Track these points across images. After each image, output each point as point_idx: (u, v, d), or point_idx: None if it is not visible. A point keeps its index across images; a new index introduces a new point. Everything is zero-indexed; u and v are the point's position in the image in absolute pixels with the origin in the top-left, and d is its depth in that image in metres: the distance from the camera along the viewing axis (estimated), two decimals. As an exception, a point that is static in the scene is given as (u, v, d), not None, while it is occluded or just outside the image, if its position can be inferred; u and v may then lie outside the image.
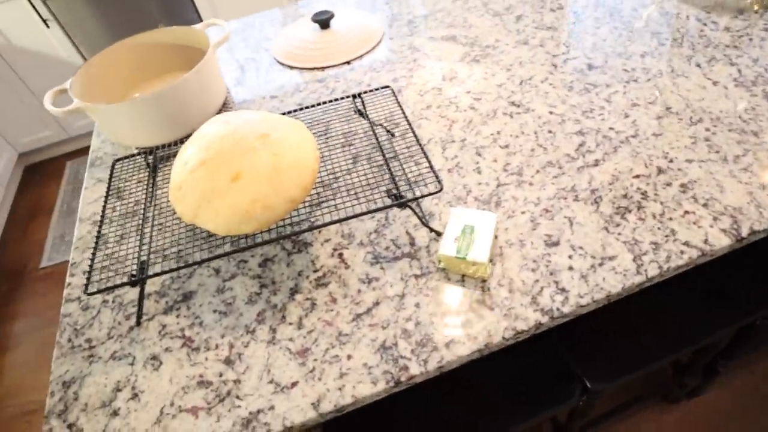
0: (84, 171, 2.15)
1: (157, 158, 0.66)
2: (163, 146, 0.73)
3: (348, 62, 0.94)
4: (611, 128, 0.70)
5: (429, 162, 0.58)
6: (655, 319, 0.79)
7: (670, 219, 0.58)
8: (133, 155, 0.69)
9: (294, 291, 0.58)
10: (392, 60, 0.92)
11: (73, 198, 2.04)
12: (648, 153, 0.66)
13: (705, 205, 0.59)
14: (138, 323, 0.58)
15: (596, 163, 0.66)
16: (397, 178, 0.64)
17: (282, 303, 0.57)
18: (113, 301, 0.61)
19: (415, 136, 0.62)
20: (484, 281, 0.55)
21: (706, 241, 0.55)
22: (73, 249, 0.69)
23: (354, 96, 0.71)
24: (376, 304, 0.55)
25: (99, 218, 0.71)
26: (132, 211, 0.71)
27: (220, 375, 0.52)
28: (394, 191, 0.56)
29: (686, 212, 0.58)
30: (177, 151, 0.77)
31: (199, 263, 0.53)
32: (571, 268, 0.55)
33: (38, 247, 1.88)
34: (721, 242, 0.55)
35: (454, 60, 0.89)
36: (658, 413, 1.15)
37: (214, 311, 0.58)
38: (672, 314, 0.80)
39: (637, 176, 0.63)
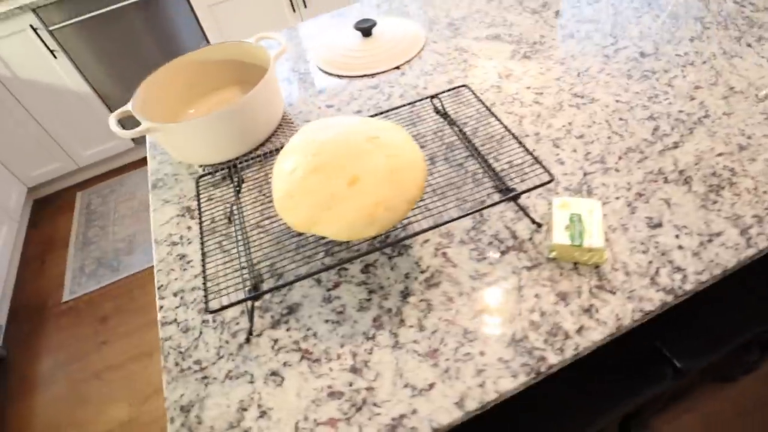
0: (96, 199, 2.11)
1: (240, 172, 0.66)
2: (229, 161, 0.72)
3: (397, 67, 0.95)
4: (681, 111, 0.72)
5: (531, 154, 0.59)
6: (738, 295, 0.80)
7: (765, 192, 0.60)
8: (211, 172, 0.68)
9: (405, 294, 0.58)
10: (442, 62, 0.93)
11: (87, 228, 2.00)
12: (724, 132, 0.68)
13: (795, 177, 0.60)
14: (248, 340, 0.57)
15: (675, 145, 0.67)
16: (500, 174, 0.64)
17: (396, 307, 0.56)
18: (214, 321, 0.60)
19: (510, 131, 0.63)
20: (597, 267, 0.56)
21: (806, 211, 0.57)
22: (156, 272, 0.67)
23: (432, 97, 0.71)
24: (495, 299, 0.55)
25: (177, 239, 0.70)
26: (211, 228, 0.70)
27: (350, 384, 0.51)
28: (502, 186, 0.57)
29: (778, 185, 0.60)
30: (252, 164, 0.77)
31: (327, 269, 0.52)
32: (680, 248, 0.56)
33: (57, 281, 1.83)
34: (821, 210, 0.56)
35: (505, 58, 0.90)
36: (715, 390, 1.16)
37: (326, 321, 0.57)
38: (754, 288, 0.81)
39: (720, 154, 0.65)
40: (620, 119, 0.73)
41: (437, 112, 0.70)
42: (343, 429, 0.48)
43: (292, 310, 0.59)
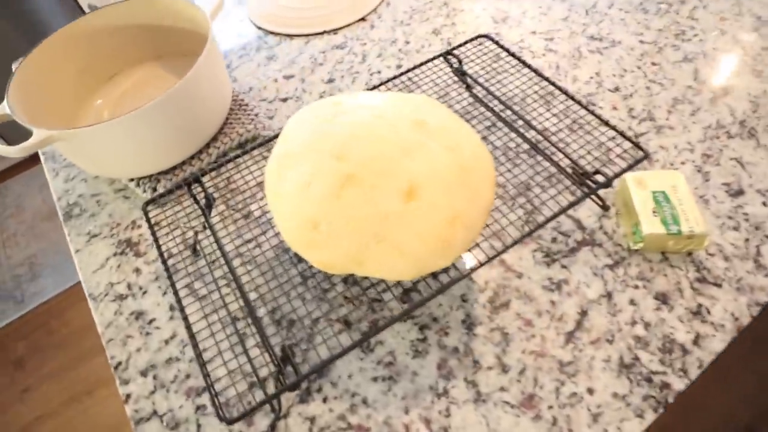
0: (-29, 215, 1.69)
1: (207, 189, 0.46)
2: (166, 172, 0.52)
3: (363, 18, 0.76)
4: (715, 48, 0.63)
5: (610, 126, 0.46)
6: None
7: (833, 137, 0.53)
8: (164, 193, 0.47)
9: (469, 324, 0.44)
10: (418, 8, 0.76)
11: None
12: (768, 69, 0.60)
13: None
14: (272, 428, 0.41)
15: (725, 92, 0.58)
16: (569, 155, 0.51)
17: (463, 343, 0.43)
18: (207, 405, 0.43)
19: (571, 96, 0.49)
20: (689, 254, 0.46)
21: None
22: (106, 343, 0.47)
23: (447, 53, 0.54)
24: (583, 313, 0.44)
25: (124, 289, 0.50)
26: (172, 266, 0.50)
27: (432, 465, 0.38)
28: (579, 172, 0.44)
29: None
30: (223, 173, 0.56)
31: (376, 331, 0.37)
32: (771, 216, 0.48)
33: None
34: None
35: (495, -3, 0.75)
36: None
37: (374, 379, 0.42)
38: None
39: (773, 97, 0.57)
40: (653, 64, 0.62)
41: (457, 73, 0.54)
42: None
43: (322, 372, 0.43)
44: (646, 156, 0.43)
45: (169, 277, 0.41)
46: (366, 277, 0.47)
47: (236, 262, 0.49)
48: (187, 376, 0.44)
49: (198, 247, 0.51)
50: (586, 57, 0.64)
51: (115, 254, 0.53)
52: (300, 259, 0.49)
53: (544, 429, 0.38)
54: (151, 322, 0.48)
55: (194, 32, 0.63)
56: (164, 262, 0.42)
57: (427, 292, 0.46)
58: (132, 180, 0.57)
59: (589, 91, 0.60)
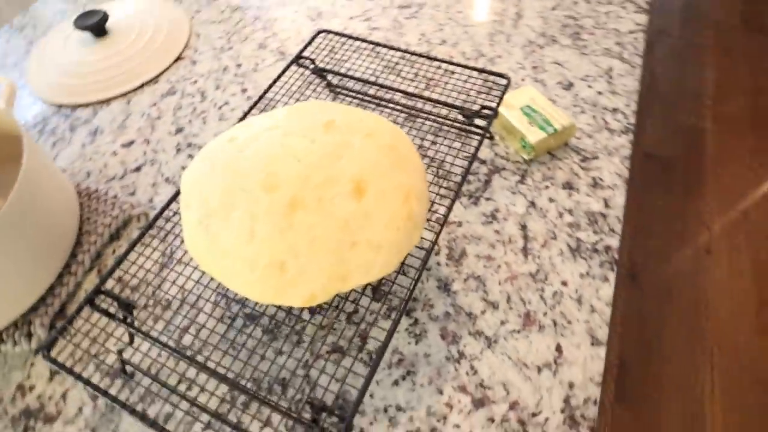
0: None
1: (118, 296, 0.37)
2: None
3: (179, 58, 0.70)
4: (494, -14, 0.74)
5: (470, 67, 0.50)
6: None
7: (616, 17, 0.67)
8: (70, 319, 0.37)
9: (445, 286, 0.45)
10: (232, 30, 0.73)
11: None
12: (537, -11, 0.73)
13: None
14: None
15: (519, 16, 0.69)
16: (454, 104, 0.54)
17: (450, 305, 0.44)
18: None
19: (428, 57, 0.52)
20: (566, 145, 0.55)
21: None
22: None
23: (297, 58, 0.53)
24: (523, 227, 0.49)
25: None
26: (109, 408, 0.41)
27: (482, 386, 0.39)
28: (469, 113, 0.48)
29: (602, 14, 0.68)
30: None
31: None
32: (600, 93, 0.59)
33: None
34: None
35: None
36: None
37: (395, 383, 0.41)
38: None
39: (554, 8, 0.70)
40: (458, 12, 0.71)
41: (316, 72, 0.54)
42: (526, 471, 0.37)
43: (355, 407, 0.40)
44: (509, 80, 0.49)
45: (128, 409, 0.33)
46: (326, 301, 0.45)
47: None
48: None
49: (126, 368, 0.42)
50: (405, 24, 0.70)
51: (19, 432, 0.41)
52: (251, 318, 0.44)
53: (551, 334, 0.42)
54: (117, 475, 0.38)
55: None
56: (112, 396, 0.34)
57: (402, 280, 0.46)
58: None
59: (424, 50, 0.66)
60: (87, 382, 0.34)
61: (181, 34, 0.73)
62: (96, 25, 0.68)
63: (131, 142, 0.60)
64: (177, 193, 0.43)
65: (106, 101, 0.65)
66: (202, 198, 0.33)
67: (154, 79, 0.67)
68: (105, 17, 0.69)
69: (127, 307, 0.37)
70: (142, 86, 0.66)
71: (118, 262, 0.38)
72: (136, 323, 0.42)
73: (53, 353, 0.35)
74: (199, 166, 0.35)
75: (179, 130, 0.60)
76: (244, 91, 0.64)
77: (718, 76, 1.93)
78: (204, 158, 0.36)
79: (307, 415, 0.37)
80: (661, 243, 1.54)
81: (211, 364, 0.41)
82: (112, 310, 0.43)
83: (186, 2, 0.79)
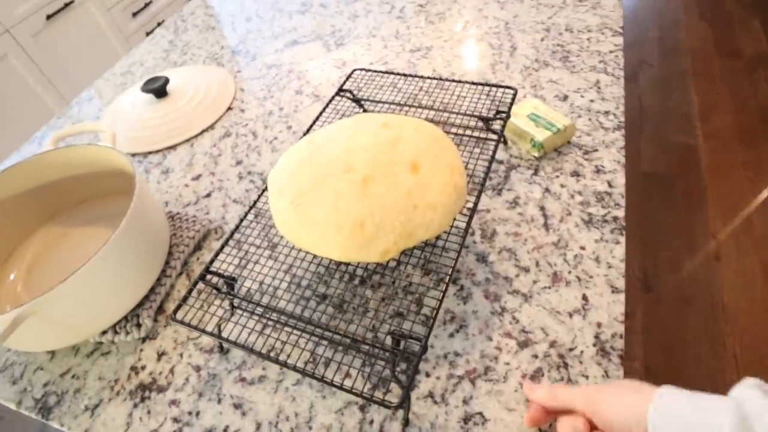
0: None
1: (222, 273, 0.46)
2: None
3: (229, 108, 0.82)
4: (480, 30, 0.88)
5: (484, 84, 0.62)
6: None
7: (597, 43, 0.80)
8: (188, 292, 0.46)
9: (482, 258, 0.54)
10: (271, 83, 0.86)
11: None
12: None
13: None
14: (406, 407, 0.43)
15: (514, 48, 0.82)
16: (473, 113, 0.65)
17: (488, 272, 0.52)
18: None
19: (446, 79, 0.64)
20: (569, 143, 0.65)
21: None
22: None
23: (339, 90, 0.65)
24: (542, 208, 0.58)
25: (173, 428, 0.46)
26: (233, 362, 0.48)
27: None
28: (485, 118, 0.58)
29: None
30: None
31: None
32: (592, 101, 0.70)
33: None
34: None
35: (323, 53, 0.90)
36: None
37: (451, 335, 0.48)
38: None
39: (543, 39, 0.83)
40: (453, 51, 0.84)
41: (354, 101, 0.66)
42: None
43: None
44: (516, 91, 0.60)
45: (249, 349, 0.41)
46: (385, 273, 0.53)
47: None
48: (299, 444, 0.43)
49: (223, 345, 0.50)
50: (417, 64, 0.83)
51: (135, 406, 0.48)
52: (323, 298, 0.52)
53: (576, 287, 0.50)
54: (226, 430, 0.45)
55: (92, 174, 0.61)
56: (242, 346, 0.42)
57: (445, 260, 0.54)
58: (104, 333, 0.52)
59: (437, 82, 0.78)
60: (204, 331, 0.42)
61: (228, 89, 0.86)
62: (159, 89, 0.82)
63: (199, 176, 0.71)
64: (264, 190, 0.53)
65: (173, 147, 0.77)
66: (293, 185, 0.43)
67: (211, 126, 0.80)
68: (167, 81, 0.82)
69: (230, 281, 0.46)
70: (201, 133, 0.78)
71: (221, 248, 0.48)
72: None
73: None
74: (286, 164, 0.46)
75: (239, 162, 0.72)
76: (289, 128, 0.76)
77: (701, 98, 2.08)
78: (288, 158, 0.46)
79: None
80: (670, 254, 1.60)
81: (295, 331, 0.49)
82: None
83: (228, 66, 0.94)
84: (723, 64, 2.22)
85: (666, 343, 1.38)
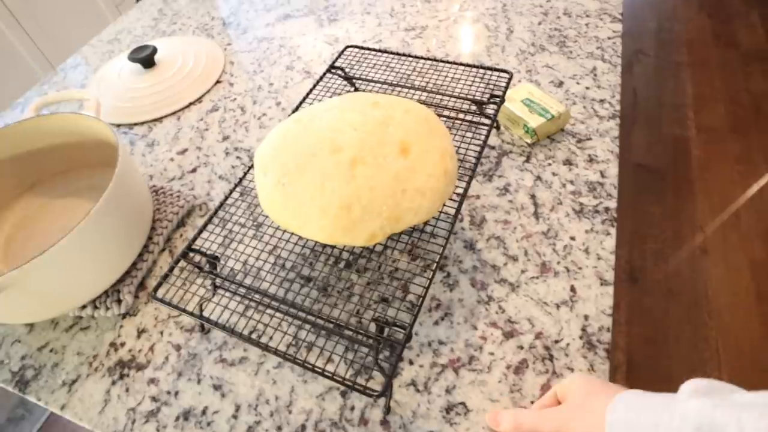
0: None
1: (204, 251, 0.45)
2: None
3: (218, 81, 0.80)
4: (482, 13, 0.86)
5: (477, 66, 0.60)
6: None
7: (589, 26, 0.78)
8: (169, 271, 0.44)
9: (471, 245, 0.53)
10: (261, 57, 0.83)
11: None
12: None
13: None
14: (387, 394, 0.43)
15: (510, 31, 0.80)
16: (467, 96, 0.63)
17: (476, 260, 0.52)
18: None
19: (442, 60, 0.62)
20: (562, 131, 0.64)
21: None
22: (165, 463, 0.42)
23: (331, 68, 0.63)
24: (532, 196, 0.57)
25: (151, 407, 0.45)
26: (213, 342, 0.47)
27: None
28: (479, 101, 0.57)
29: None
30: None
31: None
32: (587, 88, 0.69)
33: None
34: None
35: (315, 29, 0.87)
36: None
37: (435, 323, 0.48)
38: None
39: (532, 31, 0.81)
40: (447, 32, 0.82)
41: (347, 79, 0.64)
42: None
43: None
44: (511, 74, 0.58)
45: (234, 333, 0.40)
46: (371, 257, 0.52)
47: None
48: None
49: (204, 325, 0.49)
50: (411, 43, 0.81)
51: (113, 383, 0.47)
52: (307, 280, 0.51)
53: (565, 278, 0.50)
54: (204, 411, 0.44)
55: (74, 144, 0.59)
56: (224, 327, 0.41)
57: (432, 246, 0.53)
58: (84, 307, 0.51)
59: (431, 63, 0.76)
60: (184, 311, 0.41)
61: (217, 62, 0.83)
62: (146, 58, 0.79)
63: (185, 150, 0.69)
64: (250, 167, 0.52)
65: (159, 119, 0.75)
66: (279, 163, 0.42)
67: (198, 100, 0.77)
68: (154, 51, 0.79)
69: (213, 260, 0.45)
70: (188, 105, 0.76)
71: (204, 225, 0.47)
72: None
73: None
74: (272, 142, 0.44)
75: (226, 138, 0.70)
76: (278, 104, 0.74)
77: (695, 90, 2.07)
78: (275, 135, 0.45)
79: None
80: (658, 246, 1.62)
81: (277, 314, 0.48)
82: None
83: (218, 38, 0.90)
84: (719, 56, 2.21)
85: (649, 336, 1.40)
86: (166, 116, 0.75)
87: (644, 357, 1.36)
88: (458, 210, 0.46)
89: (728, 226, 1.65)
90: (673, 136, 1.93)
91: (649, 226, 1.67)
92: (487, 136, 0.52)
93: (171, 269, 0.44)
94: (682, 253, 1.59)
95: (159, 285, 0.43)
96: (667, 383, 1.34)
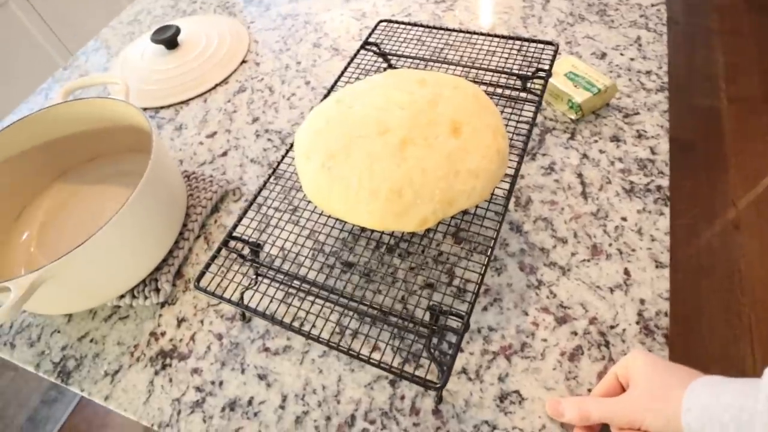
0: None
1: (246, 239, 0.44)
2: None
3: (244, 61, 0.77)
4: (521, -24, 0.81)
5: (515, 38, 0.57)
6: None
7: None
8: (211, 259, 0.43)
9: (517, 228, 0.51)
10: (287, 35, 0.80)
11: None
12: (561, -24, 0.80)
13: None
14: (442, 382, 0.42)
15: (548, 0, 0.76)
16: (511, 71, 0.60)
17: (523, 243, 0.50)
18: (362, 424, 0.42)
19: (482, 33, 0.59)
20: (607, 105, 0.60)
21: None
22: (214, 452, 0.42)
23: (364, 44, 0.60)
24: (579, 175, 0.54)
25: (196, 397, 0.45)
26: (256, 330, 0.46)
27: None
28: (524, 76, 0.54)
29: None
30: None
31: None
32: (632, 59, 0.65)
33: None
34: None
35: (341, 3, 0.84)
36: None
37: (484, 308, 0.46)
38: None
39: (576, -9, 0.77)
40: (485, 5, 0.78)
41: (380, 55, 0.61)
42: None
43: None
44: (557, 46, 0.55)
45: (280, 324, 0.39)
46: (412, 240, 0.51)
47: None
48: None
49: (246, 313, 0.48)
50: (443, 16, 0.77)
51: (156, 373, 0.47)
52: (348, 266, 0.50)
53: (618, 261, 0.47)
54: (250, 402, 0.44)
55: (104, 129, 0.58)
56: (266, 316, 0.40)
57: (475, 228, 0.51)
58: (122, 296, 0.50)
59: (465, 36, 0.73)
60: (229, 301, 0.40)
61: (242, 41, 0.81)
62: (170, 39, 0.76)
63: (214, 133, 0.67)
64: (289, 149, 0.50)
65: (186, 102, 0.73)
66: (323, 147, 0.40)
67: (225, 81, 0.75)
68: (178, 31, 0.77)
69: (255, 248, 0.43)
70: (215, 87, 0.74)
71: (245, 212, 0.45)
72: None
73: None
74: (313, 124, 0.42)
75: (255, 119, 0.68)
76: (307, 83, 0.71)
77: (728, 58, 1.98)
78: (316, 118, 0.42)
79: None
80: (689, 222, 1.57)
81: (319, 301, 0.47)
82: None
83: (240, 15, 0.88)
84: (753, 21, 2.10)
85: (681, 312, 1.37)
86: (192, 98, 0.73)
87: (675, 334, 1.33)
88: (510, 191, 0.44)
89: (762, 201, 1.59)
90: (704, 108, 1.85)
91: (680, 201, 1.61)
92: (536, 113, 0.49)
93: (212, 258, 0.42)
94: (713, 228, 1.54)
95: (202, 275, 0.41)
96: (700, 360, 1.33)
